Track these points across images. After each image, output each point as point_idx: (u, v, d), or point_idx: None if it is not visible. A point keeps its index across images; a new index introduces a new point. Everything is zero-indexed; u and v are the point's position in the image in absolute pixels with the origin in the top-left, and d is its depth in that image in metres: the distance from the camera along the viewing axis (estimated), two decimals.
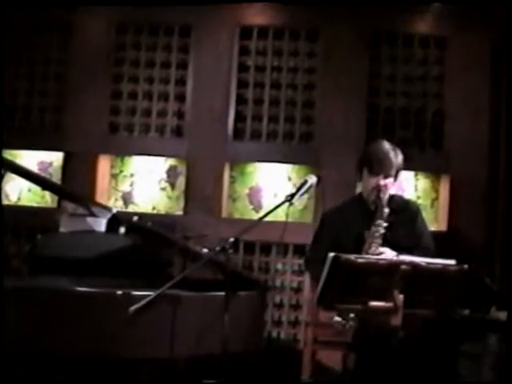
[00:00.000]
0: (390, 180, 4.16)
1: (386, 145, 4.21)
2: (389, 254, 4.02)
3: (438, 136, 5.93)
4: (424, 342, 4.03)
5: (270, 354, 5.06)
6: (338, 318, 4.04)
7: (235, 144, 6.01)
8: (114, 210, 4.20)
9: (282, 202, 3.88)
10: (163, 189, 6.11)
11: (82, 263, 4.34)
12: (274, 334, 5.86)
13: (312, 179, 4.01)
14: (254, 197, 6.01)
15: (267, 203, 5.93)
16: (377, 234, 4.05)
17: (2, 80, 5.56)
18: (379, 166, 4.14)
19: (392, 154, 4.17)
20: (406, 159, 4.39)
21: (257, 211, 5.95)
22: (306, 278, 5.25)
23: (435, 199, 5.91)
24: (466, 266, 3.71)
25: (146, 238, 4.40)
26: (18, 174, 4.28)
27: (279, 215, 4.15)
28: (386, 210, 4.07)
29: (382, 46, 5.99)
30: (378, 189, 4.12)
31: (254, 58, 6.06)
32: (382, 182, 4.14)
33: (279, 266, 5.92)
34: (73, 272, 4.21)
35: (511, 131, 5.14)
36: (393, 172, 4.16)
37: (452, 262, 3.75)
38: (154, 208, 6.11)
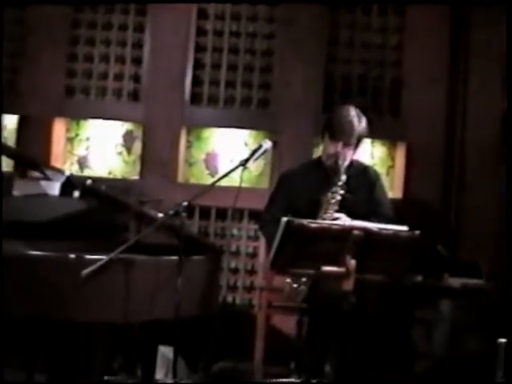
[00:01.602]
0: (350, 147, 4.15)
1: (352, 111, 4.17)
2: (344, 219, 4.04)
3: (395, 104, 5.95)
4: (376, 308, 4.08)
5: (224, 318, 5.08)
6: (289, 280, 4.07)
7: (192, 109, 5.97)
8: (68, 173, 4.17)
9: (236, 167, 3.89)
10: (119, 153, 6.06)
11: (35, 227, 4.30)
12: (230, 299, 5.89)
13: (267, 144, 4.02)
14: (210, 162, 5.99)
15: (224, 169, 5.90)
16: (333, 200, 4.06)
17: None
18: (340, 133, 4.11)
19: (355, 121, 4.12)
20: (371, 127, 4.37)
21: (213, 176, 5.92)
22: (262, 244, 5.24)
23: (391, 167, 5.94)
24: (417, 232, 3.75)
25: (101, 202, 4.38)
26: None
27: (235, 180, 4.15)
28: (343, 178, 4.07)
29: (341, 13, 5.97)
30: (337, 155, 4.11)
31: (212, 23, 6.00)
32: (340, 149, 4.12)
33: (235, 232, 5.93)
34: (26, 236, 4.17)
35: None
36: (353, 140, 4.13)
37: (404, 228, 3.79)
38: (109, 172, 6.07)
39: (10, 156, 4.78)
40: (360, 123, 4.15)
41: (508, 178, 4.76)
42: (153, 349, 4.62)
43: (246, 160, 3.89)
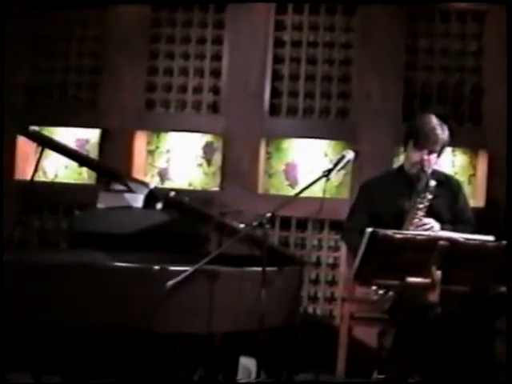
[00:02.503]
0: (434, 155, 4.16)
1: (434, 119, 4.21)
2: (434, 224, 4.03)
3: (475, 111, 5.86)
4: (461, 319, 4.02)
5: (306, 329, 5.07)
6: (374, 288, 4.05)
7: (271, 120, 5.98)
8: (152, 186, 4.23)
9: (319, 178, 3.88)
10: (199, 165, 6.11)
11: (119, 239, 4.37)
12: (310, 310, 5.86)
13: (349, 154, 4.01)
14: (290, 173, 5.99)
15: (303, 179, 5.91)
16: (421, 206, 4.07)
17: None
18: (425, 141, 4.14)
19: (439, 130, 4.17)
20: (454, 136, 4.35)
21: (293, 187, 5.93)
22: (342, 254, 5.23)
23: (473, 175, 5.85)
24: (504, 243, 3.69)
25: (183, 214, 4.42)
26: (56, 151, 4.30)
27: (315, 191, 4.15)
28: (433, 183, 4.07)
29: (419, 21, 5.92)
30: (422, 163, 4.12)
31: (289, 33, 6.01)
32: (426, 156, 4.13)
33: (315, 242, 5.91)
34: (111, 248, 4.23)
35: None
36: (438, 148, 4.16)
37: (490, 238, 3.73)
38: (190, 184, 6.12)
39: (94, 169, 4.88)
40: (443, 131, 4.20)
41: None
42: (234, 360, 4.64)
43: (329, 171, 3.88)
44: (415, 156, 4.18)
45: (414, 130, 4.22)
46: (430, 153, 4.16)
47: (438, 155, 4.22)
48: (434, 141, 4.14)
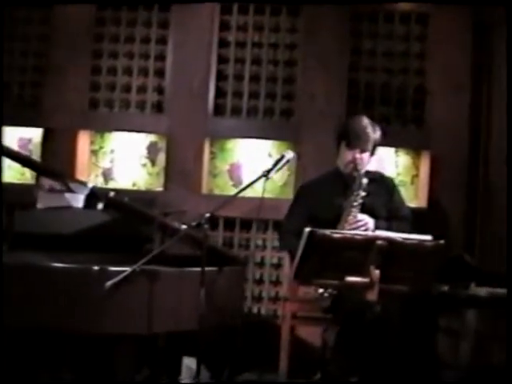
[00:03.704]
0: (367, 154, 4.25)
1: (365, 119, 4.31)
2: (368, 220, 4.10)
3: (418, 112, 5.92)
4: (401, 318, 4.06)
5: (250, 329, 5.08)
6: (316, 289, 4.08)
7: (215, 120, 5.98)
8: (91, 185, 4.19)
9: (259, 177, 3.89)
10: (143, 165, 6.08)
11: (59, 239, 4.34)
12: (255, 310, 5.87)
13: (289, 154, 4.03)
14: (234, 173, 6.00)
15: (247, 179, 5.91)
16: (355, 204, 4.16)
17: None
18: (356, 140, 4.25)
19: (370, 129, 4.27)
20: (386, 135, 4.46)
21: (237, 187, 5.92)
22: (286, 254, 5.24)
23: (415, 176, 5.91)
24: (442, 242, 3.73)
25: (124, 214, 4.39)
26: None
27: (259, 191, 4.14)
28: (365, 181, 4.16)
29: (363, 22, 5.96)
30: (355, 162, 4.20)
31: (234, 34, 6.02)
32: (359, 155, 4.22)
33: (259, 242, 5.92)
34: (50, 248, 4.20)
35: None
36: (370, 147, 4.27)
37: (428, 237, 3.77)
38: (134, 184, 6.09)
39: (34, 169, 4.82)
40: (374, 130, 4.31)
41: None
42: (177, 360, 4.63)
43: (269, 170, 3.90)
44: (348, 155, 4.31)
45: (346, 130, 4.35)
46: (362, 152, 4.26)
47: (371, 154, 4.31)
48: (366, 140, 4.26)
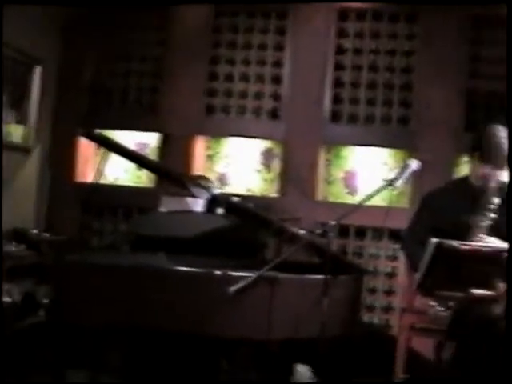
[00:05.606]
0: (502, 170, 4.02)
1: (502, 132, 4.03)
2: (497, 244, 3.92)
3: None
4: None
5: (362, 338, 5.03)
6: (433, 303, 3.98)
7: (331, 127, 5.96)
8: (215, 191, 4.23)
9: (384, 186, 3.83)
10: (258, 171, 6.12)
11: (179, 243, 4.38)
12: (366, 319, 5.82)
13: (414, 163, 3.96)
14: (349, 180, 5.96)
15: (362, 187, 5.88)
16: (483, 224, 3.93)
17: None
18: (491, 155, 3.98)
19: (507, 143, 4.00)
20: None
21: (352, 195, 5.90)
22: (401, 264, 5.17)
23: None
24: None
25: (244, 219, 4.42)
26: (121, 154, 4.33)
27: (374, 199, 4.10)
28: (497, 201, 3.94)
29: (482, 29, 5.84)
30: (488, 178, 3.99)
31: (351, 41, 5.99)
32: (493, 171, 4.00)
33: (373, 251, 5.87)
34: (170, 251, 4.25)
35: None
36: (504, 163, 4.00)
37: None
38: (248, 190, 6.13)
39: (160, 172, 4.88)
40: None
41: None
42: (289, 367, 4.62)
43: (394, 180, 3.83)
44: (481, 170, 4.03)
45: (481, 142, 4.09)
46: (496, 167, 4.05)
47: (506, 169, 4.08)
48: (502, 156, 3.97)
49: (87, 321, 3.84)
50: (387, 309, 5.81)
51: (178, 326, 3.77)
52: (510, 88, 4.61)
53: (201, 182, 4.55)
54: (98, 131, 4.64)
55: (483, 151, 4.00)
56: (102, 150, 4.42)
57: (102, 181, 6.22)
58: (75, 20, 6.27)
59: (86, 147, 6.30)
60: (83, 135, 4.98)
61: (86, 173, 6.34)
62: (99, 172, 4.44)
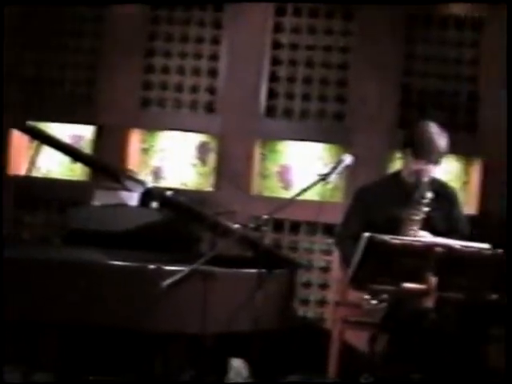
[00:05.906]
0: (433, 165, 4.08)
1: (434, 128, 4.10)
2: (428, 237, 3.99)
3: (471, 119, 5.86)
4: (456, 326, 4.01)
5: (296, 332, 5.07)
6: (367, 297, 4.03)
7: (267, 121, 5.97)
8: (149, 185, 4.21)
9: (317, 181, 3.86)
10: (194, 165, 6.10)
11: (112, 237, 4.36)
12: (301, 313, 5.85)
13: (348, 158, 4.00)
14: (283, 175, 5.98)
15: (297, 182, 5.91)
16: (416, 218, 3.99)
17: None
18: (423, 151, 4.05)
19: (439, 139, 4.06)
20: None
21: (286, 189, 5.92)
22: (335, 258, 5.22)
23: (466, 182, 5.86)
24: (500, 251, 3.69)
25: (178, 213, 4.41)
26: (55, 147, 4.28)
27: (308, 194, 4.12)
28: (429, 195, 4.00)
29: (417, 27, 5.91)
30: (420, 173, 4.06)
31: (287, 36, 6.00)
32: (424, 166, 4.06)
33: (307, 245, 5.90)
34: (104, 245, 4.22)
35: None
36: (437, 158, 4.07)
37: (487, 246, 3.73)
38: (183, 184, 6.10)
39: (94, 166, 4.84)
40: (443, 140, 4.10)
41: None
42: (224, 361, 4.63)
43: (327, 174, 3.87)
44: (413, 165, 4.08)
45: (413, 138, 4.14)
46: (429, 163, 4.09)
47: (437, 165, 4.15)
48: (434, 151, 4.05)
49: (18, 316, 3.79)
50: (321, 302, 5.84)
51: (111, 320, 3.75)
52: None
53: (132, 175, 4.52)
54: (31, 123, 4.57)
55: (416, 147, 4.08)
56: (36, 142, 4.36)
57: (35, 174, 6.15)
58: (10, 11, 6.15)
59: (18, 139, 6.20)
60: (16, 127, 4.91)
61: (19, 165, 6.24)
62: (32, 165, 4.38)
